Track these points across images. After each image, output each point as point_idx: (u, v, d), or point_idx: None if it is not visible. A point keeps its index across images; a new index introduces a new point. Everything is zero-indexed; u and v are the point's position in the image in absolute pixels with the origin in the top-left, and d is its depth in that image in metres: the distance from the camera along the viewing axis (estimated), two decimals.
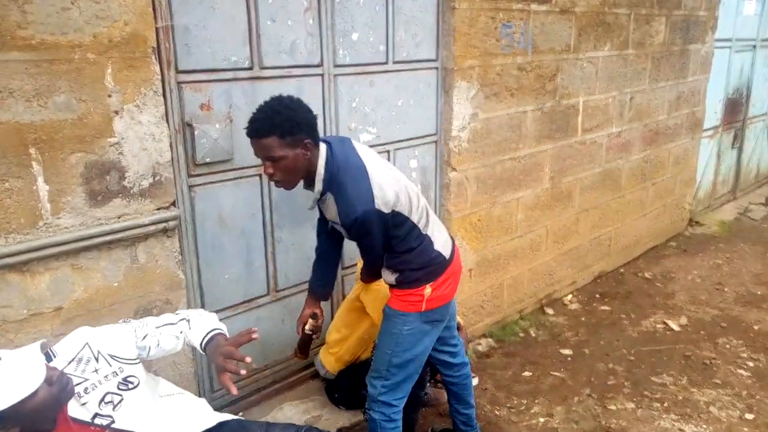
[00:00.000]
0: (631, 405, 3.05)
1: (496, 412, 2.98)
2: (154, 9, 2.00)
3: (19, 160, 1.80)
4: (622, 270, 4.85)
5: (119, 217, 2.04)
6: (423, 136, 3.12)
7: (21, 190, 1.82)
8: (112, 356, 1.66)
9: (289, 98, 1.89)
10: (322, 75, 2.62)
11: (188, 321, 1.83)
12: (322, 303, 2.38)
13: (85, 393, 1.59)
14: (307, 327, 2.29)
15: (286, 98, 1.88)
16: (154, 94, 2.04)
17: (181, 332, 1.81)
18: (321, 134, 2.00)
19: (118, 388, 1.65)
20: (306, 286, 2.51)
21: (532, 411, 3.00)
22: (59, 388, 1.49)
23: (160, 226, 2.13)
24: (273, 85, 2.45)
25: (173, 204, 2.18)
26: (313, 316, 2.29)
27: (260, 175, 2.50)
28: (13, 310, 1.88)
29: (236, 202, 2.46)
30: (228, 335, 1.82)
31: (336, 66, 2.65)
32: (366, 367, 2.75)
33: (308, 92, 2.58)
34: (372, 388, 2.23)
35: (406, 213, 2.00)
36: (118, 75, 1.94)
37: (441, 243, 2.13)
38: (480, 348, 3.56)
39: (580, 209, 4.24)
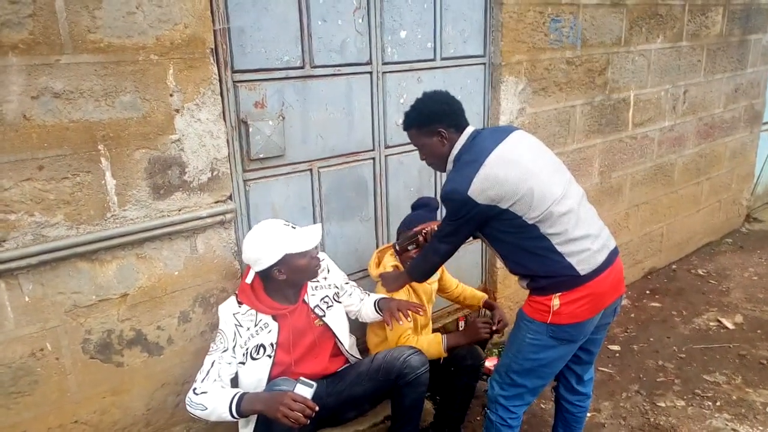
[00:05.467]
0: (681, 402, 3.01)
1: (542, 406, 2.99)
2: (212, 12, 2.10)
3: (89, 155, 1.93)
4: (674, 266, 4.75)
5: (180, 210, 2.15)
6: None
7: (91, 184, 1.95)
8: (334, 282, 2.38)
9: (431, 95, 2.14)
10: (370, 73, 2.68)
11: (368, 295, 2.50)
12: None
13: (316, 289, 2.31)
14: None
15: (428, 95, 2.13)
16: (212, 93, 2.14)
17: (362, 300, 2.47)
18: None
19: (333, 298, 2.35)
20: (354, 277, 2.61)
21: None
22: (314, 264, 2.18)
23: (218, 218, 2.24)
24: (323, 83, 2.53)
25: (230, 197, 2.28)
26: None
27: (310, 171, 2.59)
28: (83, 296, 2.02)
29: (288, 195, 2.55)
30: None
31: (384, 63, 2.71)
32: None
33: (357, 90, 2.65)
34: (491, 389, 2.24)
35: (515, 211, 1.92)
36: (179, 75, 2.04)
37: (580, 258, 1.95)
38: None
39: (630, 204, 4.18)
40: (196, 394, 1.99)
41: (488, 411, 2.27)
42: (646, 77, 3.93)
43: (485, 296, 2.85)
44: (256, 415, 2.09)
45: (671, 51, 4.05)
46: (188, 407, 2.00)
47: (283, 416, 1.84)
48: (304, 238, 2.11)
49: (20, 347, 1.93)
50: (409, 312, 2.30)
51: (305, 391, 1.93)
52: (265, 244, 2.08)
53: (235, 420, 1.99)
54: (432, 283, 2.69)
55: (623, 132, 3.91)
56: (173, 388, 2.31)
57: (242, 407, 1.94)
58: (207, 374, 2.02)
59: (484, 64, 3.09)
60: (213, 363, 2.05)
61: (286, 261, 2.08)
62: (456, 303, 2.94)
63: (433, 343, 2.44)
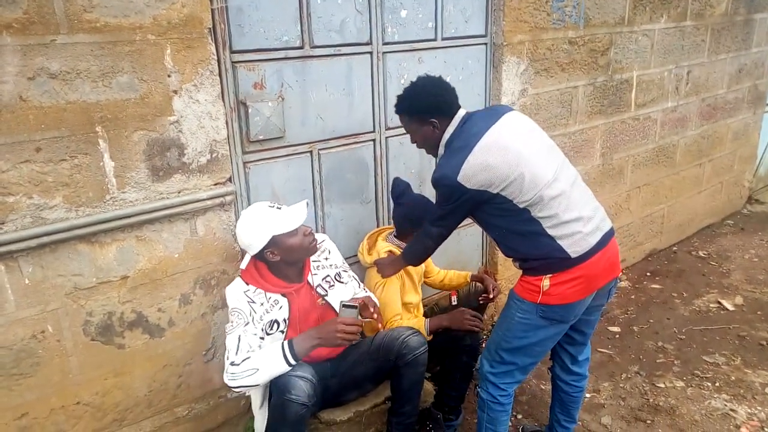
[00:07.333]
0: (680, 383, 3.03)
1: (542, 386, 3.01)
2: None
3: (87, 137, 1.91)
4: (675, 248, 4.75)
5: (179, 192, 2.14)
6: None
7: (89, 166, 1.94)
8: (335, 262, 2.38)
9: (424, 83, 2.10)
10: (371, 53, 2.65)
11: (364, 291, 2.45)
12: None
13: (318, 269, 2.32)
14: None
15: (421, 84, 2.10)
16: (211, 74, 2.12)
17: (356, 294, 2.39)
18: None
19: (334, 278, 2.35)
20: (353, 260, 2.60)
21: None
22: (309, 241, 2.16)
23: (217, 200, 2.23)
24: (323, 64, 2.50)
25: (229, 180, 2.27)
26: None
27: (311, 152, 2.57)
28: (83, 278, 2.02)
29: (288, 177, 2.54)
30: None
31: (385, 44, 2.67)
32: None
33: (357, 70, 2.62)
34: (481, 366, 2.26)
35: (506, 196, 1.92)
36: (176, 56, 2.02)
37: (572, 241, 1.94)
38: None
39: (632, 186, 4.16)
40: (237, 365, 1.96)
41: (479, 389, 2.29)
42: (649, 57, 3.89)
43: (469, 273, 2.86)
44: (268, 396, 2.13)
45: (675, 31, 4.00)
46: (232, 382, 1.96)
47: (342, 340, 1.97)
48: (289, 217, 2.10)
49: (21, 329, 1.94)
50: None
51: (351, 312, 2.03)
52: (252, 229, 2.08)
53: (291, 367, 1.98)
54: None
55: (625, 113, 3.88)
56: (175, 370, 2.32)
57: (297, 351, 1.97)
58: (238, 347, 2.01)
59: (486, 44, 3.05)
60: (239, 337, 2.03)
61: (275, 242, 2.08)
62: (441, 288, 2.95)
63: (416, 327, 2.45)
